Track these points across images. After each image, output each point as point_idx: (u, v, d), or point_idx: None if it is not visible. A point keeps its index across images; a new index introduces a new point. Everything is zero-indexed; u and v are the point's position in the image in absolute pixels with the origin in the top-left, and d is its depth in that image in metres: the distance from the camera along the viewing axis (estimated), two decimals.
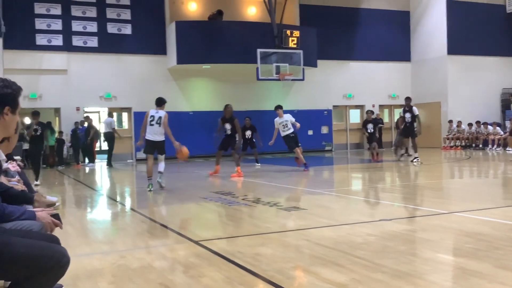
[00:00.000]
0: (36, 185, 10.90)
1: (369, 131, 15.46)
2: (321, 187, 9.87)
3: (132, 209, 8.20)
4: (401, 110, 23.68)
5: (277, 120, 13.36)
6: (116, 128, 18.48)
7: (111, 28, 19.61)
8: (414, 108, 15.09)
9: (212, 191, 9.51)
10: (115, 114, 20.46)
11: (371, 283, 3.63)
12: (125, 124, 20.63)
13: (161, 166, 9.77)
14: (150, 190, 9.59)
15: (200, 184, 11.15)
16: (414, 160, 14.63)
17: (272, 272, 3.96)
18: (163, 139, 9.78)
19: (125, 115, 20.58)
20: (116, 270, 4.23)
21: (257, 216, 6.86)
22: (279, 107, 13.48)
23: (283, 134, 13.28)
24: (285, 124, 13.16)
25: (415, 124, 14.90)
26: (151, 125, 9.64)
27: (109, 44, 19.50)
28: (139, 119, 19.62)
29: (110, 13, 19.60)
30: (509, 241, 4.85)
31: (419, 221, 6.10)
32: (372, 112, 16.24)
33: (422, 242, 5.10)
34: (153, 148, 9.76)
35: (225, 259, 4.41)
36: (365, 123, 15.77)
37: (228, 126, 12.42)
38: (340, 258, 4.32)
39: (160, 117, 9.65)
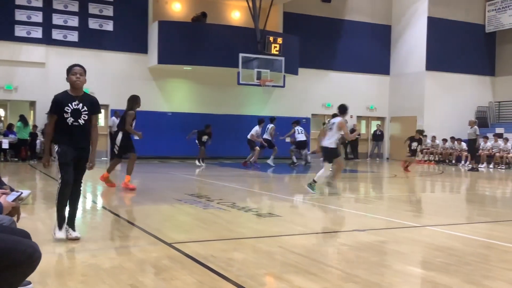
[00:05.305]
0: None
1: (412, 148, 16.48)
2: (294, 194, 9.88)
3: (104, 207, 8.08)
4: (378, 122, 24.33)
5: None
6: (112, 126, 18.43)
7: (93, 24, 19.39)
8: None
9: (187, 193, 9.45)
10: None
11: None
12: (101, 121, 20.36)
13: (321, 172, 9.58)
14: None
15: (175, 186, 11.06)
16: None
17: (245, 278, 3.95)
18: (333, 146, 9.50)
19: (101, 112, 20.35)
20: (87, 269, 4.16)
21: (231, 220, 6.84)
22: None
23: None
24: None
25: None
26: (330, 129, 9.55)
27: (90, 39, 19.27)
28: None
29: (92, 9, 19.39)
30: (479, 257, 4.94)
31: (392, 233, 6.16)
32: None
33: (393, 254, 5.15)
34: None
35: (198, 263, 4.38)
36: (411, 140, 16.65)
37: None
38: (312, 267, 4.33)
39: (333, 123, 9.52)
